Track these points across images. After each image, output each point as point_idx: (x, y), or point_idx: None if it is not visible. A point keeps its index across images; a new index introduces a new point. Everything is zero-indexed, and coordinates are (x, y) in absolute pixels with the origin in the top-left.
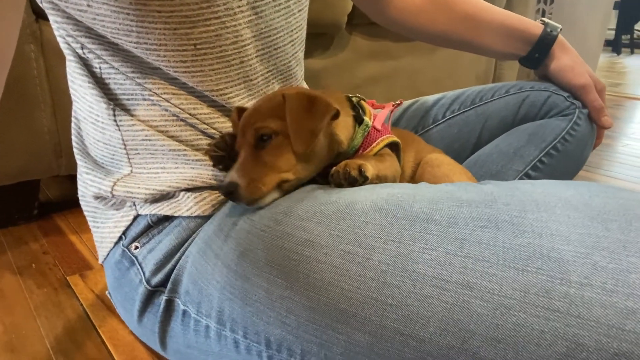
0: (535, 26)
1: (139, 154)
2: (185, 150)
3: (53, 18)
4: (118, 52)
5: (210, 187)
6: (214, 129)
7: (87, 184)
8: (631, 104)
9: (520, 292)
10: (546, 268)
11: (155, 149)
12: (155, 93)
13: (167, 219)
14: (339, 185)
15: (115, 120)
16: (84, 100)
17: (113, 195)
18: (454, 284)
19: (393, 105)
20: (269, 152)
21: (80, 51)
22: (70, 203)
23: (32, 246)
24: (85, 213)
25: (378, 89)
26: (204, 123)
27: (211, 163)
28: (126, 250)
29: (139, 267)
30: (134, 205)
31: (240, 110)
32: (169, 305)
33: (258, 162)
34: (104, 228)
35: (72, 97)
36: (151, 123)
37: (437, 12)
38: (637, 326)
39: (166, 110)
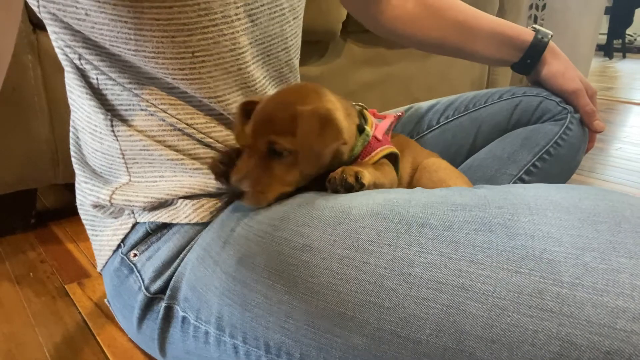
0: (526, 33)
1: (137, 163)
2: (182, 159)
3: (51, 28)
4: (115, 63)
5: (208, 195)
6: (211, 137)
7: (86, 193)
8: (624, 107)
9: (514, 293)
10: (538, 269)
11: (154, 158)
12: (153, 104)
13: (165, 226)
14: (336, 191)
15: (113, 131)
16: (82, 110)
17: (112, 204)
18: (450, 286)
19: (394, 117)
20: (278, 165)
21: (77, 62)
22: (67, 211)
23: (30, 255)
24: (84, 221)
25: (373, 94)
26: (201, 132)
27: (213, 176)
28: (125, 257)
29: (137, 274)
30: (133, 213)
31: (246, 104)
32: (168, 312)
33: (266, 171)
34: (103, 236)
35: (71, 107)
36: (149, 133)
37: (429, 20)
38: (627, 324)
39: (163, 120)
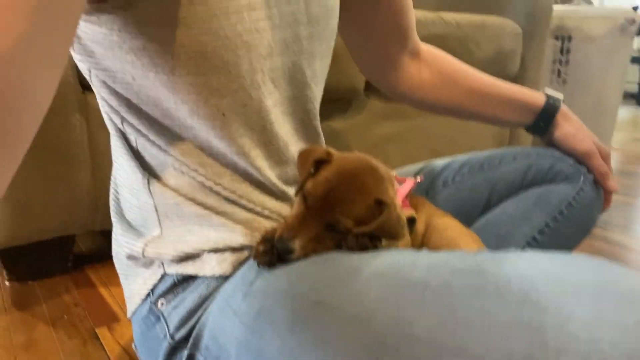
0: (538, 97)
1: (168, 217)
2: (209, 215)
3: (100, 94)
4: (154, 125)
5: (232, 249)
6: (236, 194)
7: (122, 245)
8: None
9: (506, 356)
10: (527, 336)
11: (183, 214)
12: (185, 164)
13: (191, 277)
14: (351, 249)
15: (149, 189)
16: (123, 169)
17: (144, 256)
18: (447, 348)
19: (414, 182)
20: (331, 238)
21: (120, 126)
22: (101, 256)
23: (65, 298)
24: (118, 270)
25: (394, 148)
26: (227, 190)
27: (236, 231)
28: (153, 306)
29: (164, 322)
30: (162, 264)
31: (306, 153)
32: None
33: (317, 240)
34: (134, 285)
35: (114, 165)
36: (180, 191)
37: (444, 88)
38: None
39: (193, 179)
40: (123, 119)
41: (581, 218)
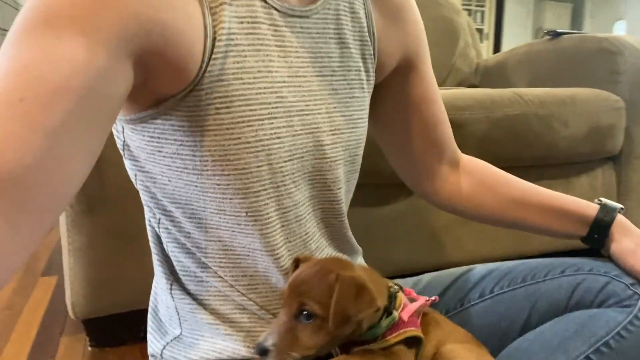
0: (589, 207)
1: (186, 321)
2: (219, 324)
3: (142, 197)
4: (183, 226)
5: (233, 359)
6: (250, 300)
7: (150, 342)
8: None
9: None
10: None
11: (197, 320)
12: (207, 266)
13: None
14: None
15: (171, 293)
16: (156, 271)
17: (162, 357)
18: None
19: (427, 301)
20: (305, 328)
21: (157, 229)
22: None
23: None
24: None
25: (468, 231)
26: (242, 294)
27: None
28: None
29: None
30: None
31: (298, 260)
32: None
33: (292, 333)
34: None
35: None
36: (197, 297)
37: (484, 197)
38: None
39: (212, 285)
40: (159, 222)
41: (633, 354)
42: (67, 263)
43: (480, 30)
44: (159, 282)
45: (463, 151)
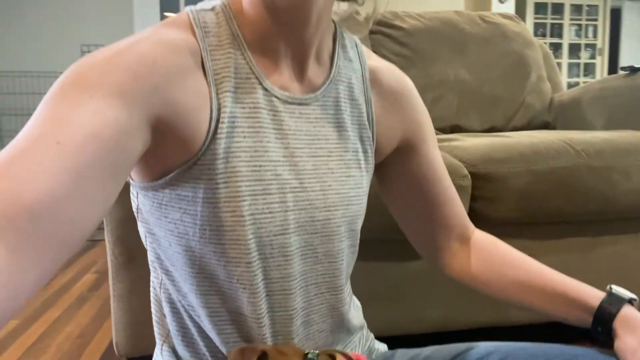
0: (593, 295)
1: None
2: None
3: (149, 258)
4: (180, 288)
5: None
6: None
7: None
8: None
9: None
10: None
11: None
12: (199, 327)
13: None
14: None
15: (161, 352)
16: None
17: None
18: None
19: None
20: None
21: (158, 290)
22: None
23: None
24: None
25: None
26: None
27: None
28: None
29: None
30: None
31: (241, 354)
32: None
33: None
34: None
35: None
36: (183, 358)
37: (490, 277)
38: None
39: (200, 348)
40: (161, 283)
41: None
42: (112, 307)
43: (592, 46)
44: (156, 340)
45: (501, 206)
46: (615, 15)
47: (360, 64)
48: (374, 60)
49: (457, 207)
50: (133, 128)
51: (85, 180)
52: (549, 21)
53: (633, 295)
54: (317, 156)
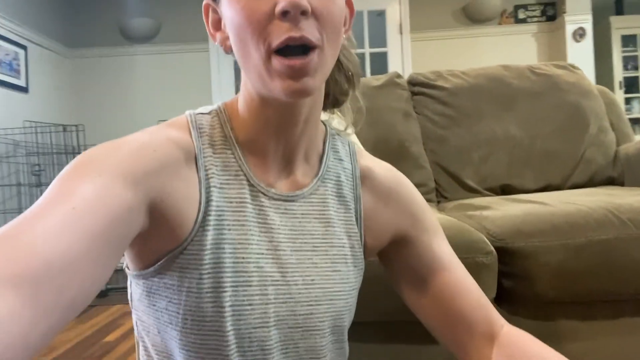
0: None
1: None
2: None
3: (140, 343)
4: None
5: None
6: None
7: None
8: None
9: None
10: None
11: None
12: None
13: None
14: None
15: None
16: None
17: None
18: None
19: None
20: None
21: None
22: None
23: None
24: None
25: None
26: None
27: None
28: None
29: None
30: None
31: None
32: None
33: None
34: None
35: None
36: None
37: None
38: None
39: None
40: None
41: None
42: None
43: None
44: None
45: (536, 284)
46: None
47: (352, 163)
48: (367, 160)
49: (475, 299)
50: (135, 206)
51: (98, 244)
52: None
53: None
54: (302, 250)
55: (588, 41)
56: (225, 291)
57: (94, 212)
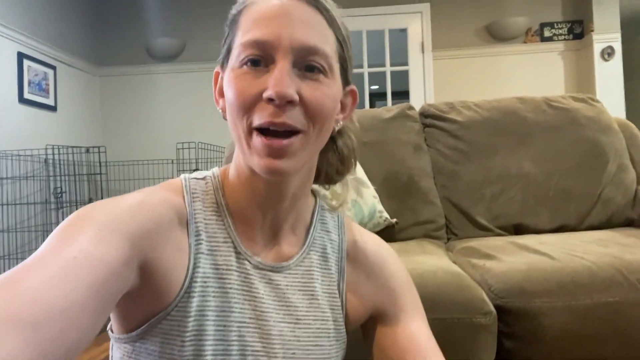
0: None
1: None
2: None
3: None
4: None
5: None
6: None
7: None
8: None
9: None
10: None
11: None
12: None
13: None
14: None
15: None
16: None
17: None
18: None
19: None
20: None
21: None
22: None
23: None
24: None
25: None
26: None
27: None
28: None
29: None
30: None
31: None
32: None
33: None
34: None
35: None
36: None
37: None
38: None
39: None
40: None
41: None
42: None
43: None
44: None
45: (540, 347)
46: None
47: (339, 235)
48: (355, 232)
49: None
50: (129, 262)
51: (95, 294)
52: None
53: None
54: (284, 322)
55: (617, 60)
56: (205, 358)
57: (93, 264)
